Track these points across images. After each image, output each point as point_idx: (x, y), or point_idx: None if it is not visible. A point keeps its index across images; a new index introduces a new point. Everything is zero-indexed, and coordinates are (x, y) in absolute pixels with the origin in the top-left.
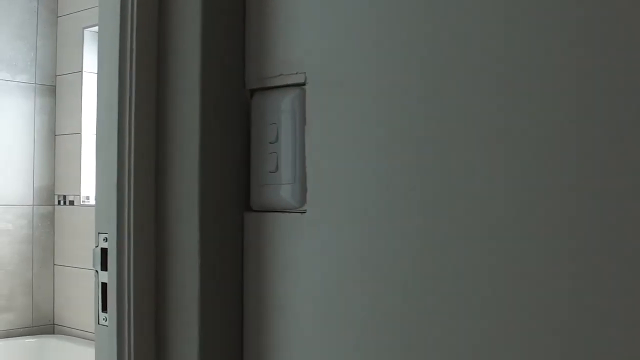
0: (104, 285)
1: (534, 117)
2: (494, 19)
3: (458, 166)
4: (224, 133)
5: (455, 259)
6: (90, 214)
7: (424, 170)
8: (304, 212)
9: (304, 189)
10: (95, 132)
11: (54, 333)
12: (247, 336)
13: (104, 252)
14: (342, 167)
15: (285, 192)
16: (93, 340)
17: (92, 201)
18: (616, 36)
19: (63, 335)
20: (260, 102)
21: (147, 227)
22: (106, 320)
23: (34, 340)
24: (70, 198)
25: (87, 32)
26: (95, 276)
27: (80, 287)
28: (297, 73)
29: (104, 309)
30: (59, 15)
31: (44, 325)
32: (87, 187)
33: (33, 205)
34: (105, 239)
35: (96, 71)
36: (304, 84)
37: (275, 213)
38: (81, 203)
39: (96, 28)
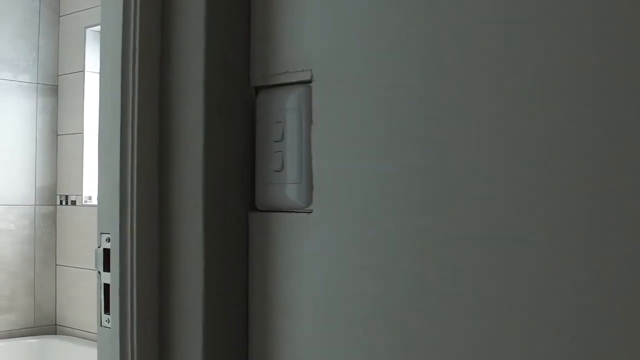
0: (107, 286)
1: (534, 117)
2: (494, 19)
3: (465, 166)
4: (229, 131)
5: (461, 259)
6: (92, 214)
7: (431, 170)
8: (309, 212)
9: (310, 189)
10: (97, 131)
11: (56, 333)
12: (252, 338)
13: (106, 252)
14: (349, 166)
15: (290, 192)
16: (95, 341)
17: (94, 201)
18: (616, 36)
19: (65, 336)
20: (265, 100)
21: (150, 228)
22: (109, 322)
23: (35, 340)
24: (72, 198)
25: (89, 31)
26: (97, 277)
27: (82, 288)
28: (303, 70)
29: (107, 310)
30: (61, 14)
31: (46, 325)
32: (89, 187)
33: (35, 205)
34: (108, 240)
35: (98, 71)
36: (310, 82)
37: (281, 213)
38: (83, 203)
39: (98, 27)
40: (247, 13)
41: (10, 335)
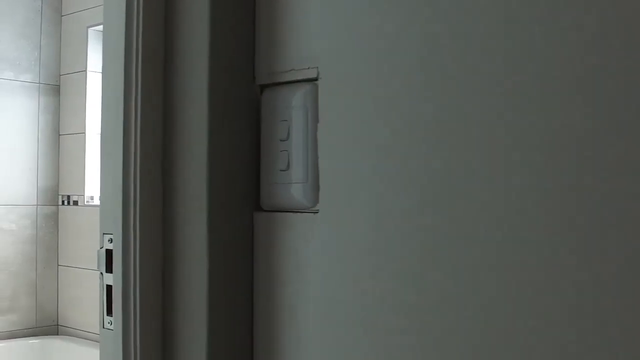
0: (109, 287)
1: (534, 117)
2: (495, 19)
3: (473, 167)
4: (233, 130)
5: (467, 260)
6: (95, 214)
7: (439, 170)
8: (315, 212)
9: (316, 188)
10: (99, 131)
11: (57, 334)
12: (257, 339)
13: (109, 253)
14: (355, 165)
15: (296, 192)
16: (97, 342)
17: (96, 201)
18: (617, 36)
19: (67, 336)
20: (270, 98)
21: (153, 228)
22: (111, 324)
23: (37, 341)
24: (74, 198)
25: (91, 31)
26: (100, 278)
27: (85, 288)
28: (309, 68)
29: (109, 312)
30: (63, 14)
31: (48, 326)
32: (91, 187)
33: (37, 205)
34: (110, 240)
35: (100, 70)
36: (316, 79)
37: (286, 213)
38: (85, 203)
39: (100, 27)
40: (252, 10)
41: (12, 335)
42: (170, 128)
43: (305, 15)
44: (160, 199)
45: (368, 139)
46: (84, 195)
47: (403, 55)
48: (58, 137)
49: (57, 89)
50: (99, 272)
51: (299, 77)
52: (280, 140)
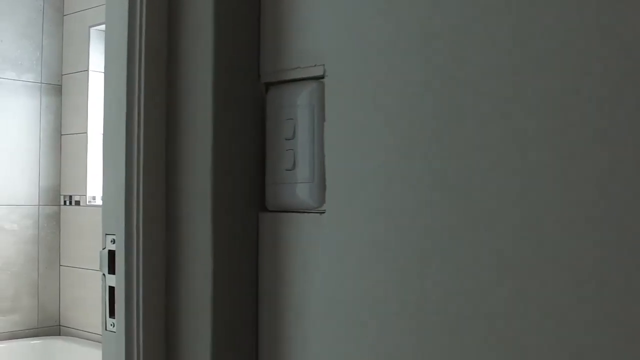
0: (112, 289)
1: (544, 118)
2: (509, 16)
3: (482, 165)
4: (238, 129)
5: (478, 260)
6: (96, 214)
7: (450, 169)
8: (322, 212)
9: (322, 188)
10: (101, 131)
11: (59, 334)
12: (262, 341)
13: (111, 254)
14: (363, 165)
15: (302, 191)
16: (99, 342)
17: (98, 201)
18: (625, 34)
19: (69, 337)
20: (276, 97)
21: (157, 228)
22: (114, 326)
23: (39, 341)
24: (76, 198)
25: (93, 30)
26: (102, 279)
27: (87, 288)
28: (315, 65)
29: (112, 314)
30: (64, 13)
31: (50, 326)
32: (93, 187)
33: (39, 205)
34: (113, 241)
35: (102, 70)
36: (322, 77)
37: (292, 213)
38: (87, 203)
39: (102, 26)
40: (257, 6)
41: (14, 336)
42: (173, 127)
43: (311, 11)
44: (163, 199)
45: (376, 138)
46: (85, 195)
47: (411, 53)
48: (60, 137)
49: (59, 89)
50: (101, 273)
51: (305, 75)
52: (286, 139)
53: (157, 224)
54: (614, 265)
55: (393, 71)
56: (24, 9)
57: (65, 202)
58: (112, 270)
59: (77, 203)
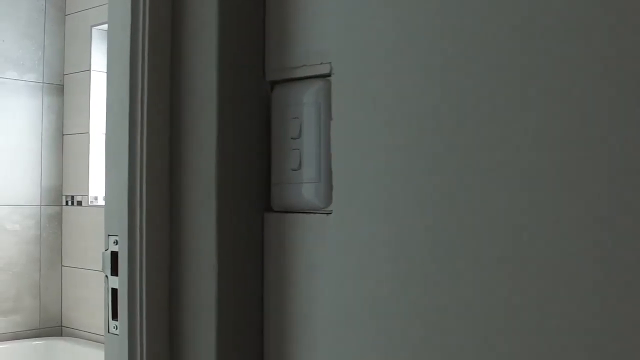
0: (114, 291)
1: (552, 117)
2: (518, 18)
3: (490, 165)
4: (243, 129)
5: (489, 262)
6: (98, 215)
7: (459, 168)
8: (329, 213)
9: (329, 188)
10: (103, 131)
11: (61, 335)
12: (268, 345)
13: (114, 255)
14: (371, 165)
15: (308, 192)
16: (101, 343)
17: (100, 201)
18: (633, 34)
19: (71, 338)
20: (281, 95)
21: (160, 229)
22: (117, 329)
23: (41, 342)
24: (78, 198)
25: (95, 30)
26: (104, 281)
27: (89, 289)
28: (321, 63)
29: (115, 316)
30: (66, 13)
31: (52, 327)
32: (95, 188)
33: (40, 205)
34: (116, 242)
35: (104, 69)
36: (329, 75)
37: (298, 214)
38: (89, 204)
39: (104, 26)
40: (262, 3)
41: (16, 336)
42: (177, 127)
43: (318, 8)
44: (167, 200)
45: (384, 137)
46: (87, 196)
47: (420, 50)
48: (62, 137)
49: (60, 89)
50: (103, 275)
51: (311, 73)
52: (292, 139)
53: (161, 225)
54: (616, 266)
55: (401, 69)
56: (26, 8)
57: (67, 202)
58: (114, 271)
59: (79, 203)
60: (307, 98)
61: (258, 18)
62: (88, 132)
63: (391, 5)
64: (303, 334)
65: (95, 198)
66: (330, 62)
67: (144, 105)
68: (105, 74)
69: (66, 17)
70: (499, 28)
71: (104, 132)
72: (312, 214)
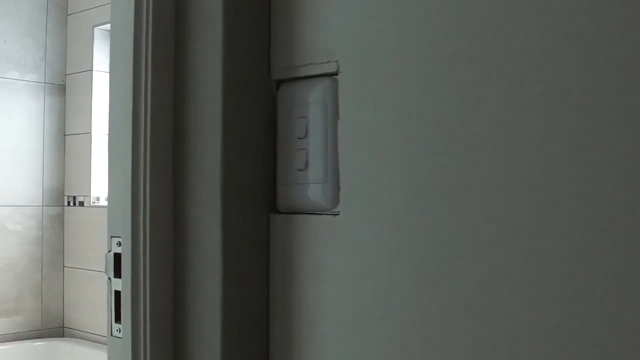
0: (118, 293)
1: (559, 118)
2: (529, 17)
3: (501, 165)
4: (248, 128)
5: (499, 263)
6: (100, 215)
7: (468, 168)
8: (336, 214)
9: (336, 189)
10: (105, 131)
11: (63, 336)
12: (273, 348)
13: (117, 257)
14: (378, 165)
15: (315, 192)
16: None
17: (102, 202)
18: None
19: (73, 339)
20: (287, 94)
21: (164, 231)
22: (120, 332)
23: (43, 343)
24: (80, 199)
25: (97, 30)
26: (107, 283)
27: (91, 290)
28: (328, 62)
29: (118, 319)
30: (68, 13)
31: (54, 328)
32: (97, 188)
33: (42, 206)
34: (119, 244)
35: (106, 70)
36: (336, 74)
37: (304, 215)
38: (91, 204)
39: (106, 26)
40: (268, 1)
41: (17, 337)
42: (181, 126)
43: (324, 4)
44: (171, 201)
45: (392, 136)
46: (89, 196)
47: (428, 48)
48: (64, 137)
49: (62, 89)
50: (106, 277)
51: (318, 72)
52: (298, 138)
53: (165, 226)
54: (617, 265)
55: (410, 67)
56: (28, 8)
57: (69, 202)
58: (118, 273)
59: (81, 204)
60: (314, 97)
61: (263, 15)
62: (90, 133)
63: (400, 2)
64: (309, 336)
65: (97, 198)
66: (337, 60)
67: (147, 105)
68: (107, 74)
69: (68, 17)
70: (510, 30)
71: (106, 132)
72: (318, 215)
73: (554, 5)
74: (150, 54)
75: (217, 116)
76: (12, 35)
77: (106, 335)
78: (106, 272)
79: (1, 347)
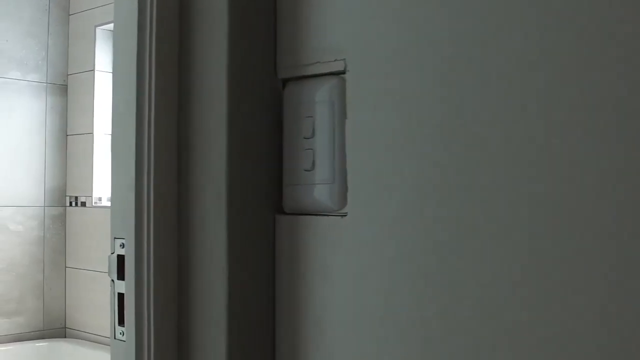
0: (121, 295)
1: (564, 118)
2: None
3: (508, 166)
4: (254, 128)
5: (508, 263)
6: (102, 215)
7: (477, 168)
8: (343, 215)
9: (343, 190)
10: (107, 131)
11: (65, 337)
12: (280, 351)
13: (120, 259)
14: (387, 165)
15: (321, 193)
16: (105, 345)
17: (104, 202)
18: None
19: (74, 339)
20: (294, 93)
21: (168, 232)
22: (123, 335)
23: (44, 344)
24: (82, 199)
25: (99, 30)
26: (111, 285)
27: (93, 290)
28: (335, 60)
29: (121, 322)
30: (70, 13)
31: (55, 328)
32: (99, 188)
33: (44, 206)
34: (122, 245)
35: (108, 70)
36: (343, 72)
37: (311, 216)
38: (93, 204)
39: (108, 26)
40: None
41: (19, 338)
42: (185, 126)
43: (331, 2)
44: (175, 202)
45: (400, 136)
46: (91, 196)
47: (437, 46)
48: (65, 137)
49: (64, 89)
50: (109, 279)
51: (325, 70)
52: (305, 138)
53: (169, 227)
54: (618, 265)
55: (420, 66)
56: (29, 8)
57: (71, 203)
58: (121, 276)
59: (83, 204)
60: (321, 96)
61: (269, 13)
62: (92, 133)
63: (410, 1)
64: (316, 337)
65: (99, 199)
66: (344, 59)
67: (151, 105)
68: (109, 74)
69: (70, 16)
70: (520, 30)
71: (108, 133)
72: (325, 217)
73: (554, 5)
74: (154, 53)
75: (222, 116)
76: (14, 35)
77: (108, 336)
78: (109, 274)
79: (3, 348)
